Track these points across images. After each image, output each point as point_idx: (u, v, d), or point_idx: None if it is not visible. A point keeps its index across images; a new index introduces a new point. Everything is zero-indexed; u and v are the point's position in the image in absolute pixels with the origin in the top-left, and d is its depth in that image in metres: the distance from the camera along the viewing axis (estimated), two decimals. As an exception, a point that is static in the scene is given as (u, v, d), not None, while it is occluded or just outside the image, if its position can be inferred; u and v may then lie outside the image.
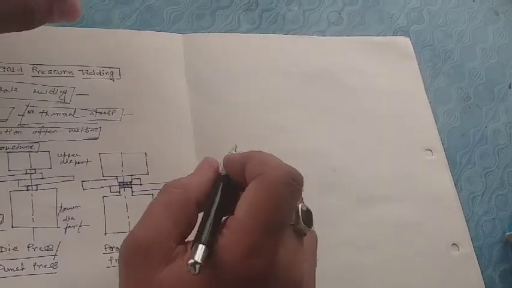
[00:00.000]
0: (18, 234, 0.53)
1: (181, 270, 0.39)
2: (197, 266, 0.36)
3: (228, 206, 0.42)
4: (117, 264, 0.42)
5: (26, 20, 0.50)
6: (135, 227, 0.42)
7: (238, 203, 0.41)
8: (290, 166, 0.42)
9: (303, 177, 0.42)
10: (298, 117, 0.69)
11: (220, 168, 0.48)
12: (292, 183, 0.41)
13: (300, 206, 0.43)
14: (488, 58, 0.82)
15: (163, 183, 0.46)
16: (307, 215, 0.43)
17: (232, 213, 0.41)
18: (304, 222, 0.42)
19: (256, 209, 0.39)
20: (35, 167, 0.56)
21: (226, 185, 0.46)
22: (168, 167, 0.60)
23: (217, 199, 0.44)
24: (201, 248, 0.38)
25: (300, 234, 0.43)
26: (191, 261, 0.36)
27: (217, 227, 0.41)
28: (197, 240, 0.39)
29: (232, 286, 0.38)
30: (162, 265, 0.40)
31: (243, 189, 0.42)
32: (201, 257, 0.37)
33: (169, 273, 0.39)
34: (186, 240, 0.43)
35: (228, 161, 0.47)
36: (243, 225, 0.39)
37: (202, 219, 0.41)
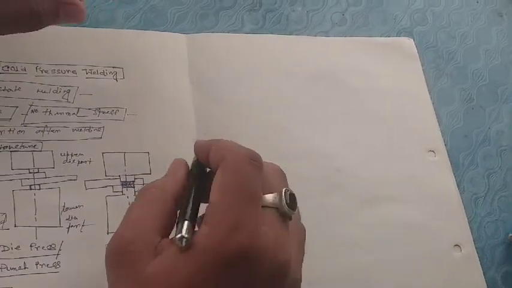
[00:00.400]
0: (21, 234, 0.53)
1: (169, 261, 0.39)
2: (184, 240, 0.39)
3: (205, 192, 0.44)
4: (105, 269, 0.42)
5: (32, 23, 0.51)
6: (117, 229, 0.43)
7: (211, 189, 0.42)
8: (248, 148, 0.45)
9: (260, 156, 0.45)
10: (302, 117, 0.69)
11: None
12: (252, 162, 0.44)
13: (283, 189, 0.44)
14: (492, 59, 0.82)
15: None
16: (291, 198, 0.44)
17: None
18: (288, 206, 0.44)
19: (226, 188, 0.42)
20: (38, 166, 0.56)
21: (201, 169, 0.48)
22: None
23: (193, 180, 0.46)
24: (186, 224, 0.40)
25: (285, 218, 0.44)
26: (178, 235, 0.39)
27: (198, 207, 0.43)
28: (181, 218, 0.41)
29: (221, 267, 0.39)
30: (149, 259, 0.40)
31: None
32: (185, 230, 0.39)
33: (157, 265, 0.40)
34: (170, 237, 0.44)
35: (196, 146, 0.49)
36: (218, 207, 0.41)
37: (183, 202, 0.44)
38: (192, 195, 0.44)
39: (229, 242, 0.39)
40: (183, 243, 0.39)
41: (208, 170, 0.48)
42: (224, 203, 0.41)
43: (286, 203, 0.44)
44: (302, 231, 0.48)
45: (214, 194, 0.42)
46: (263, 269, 0.40)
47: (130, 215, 0.44)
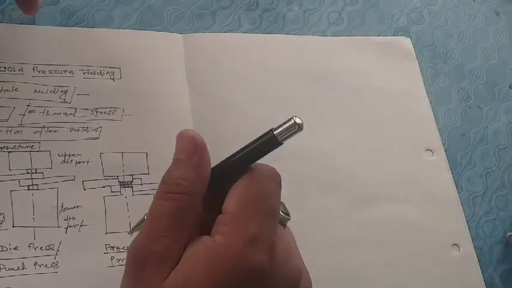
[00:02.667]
0: (19, 234, 0.53)
1: (188, 270, 0.39)
2: None
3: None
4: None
5: None
6: (143, 232, 0.41)
7: (226, 198, 0.41)
8: (267, 165, 0.44)
9: (280, 174, 0.44)
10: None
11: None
12: (275, 177, 0.43)
13: None
14: (489, 58, 0.82)
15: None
16: (283, 206, 0.45)
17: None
18: (284, 213, 0.44)
19: (249, 200, 0.41)
20: (36, 166, 0.56)
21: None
22: (168, 167, 0.60)
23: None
24: None
25: (283, 226, 0.44)
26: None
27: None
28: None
29: (240, 278, 0.38)
30: (168, 270, 0.39)
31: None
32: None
33: (176, 275, 0.39)
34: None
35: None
36: (238, 218, 0.40)
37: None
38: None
39: (248, 255, 0.38)
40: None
41: None
42: (245, 215, 0.40)
43: (282, 211, 0.44)
44: (292, 235, 0.48)
45: (232, 204, 0.41)
46: (277, 283, 0.40)
47: (159, 221, 0.41)
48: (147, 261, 0.39)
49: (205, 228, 0.42)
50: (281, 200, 0.45)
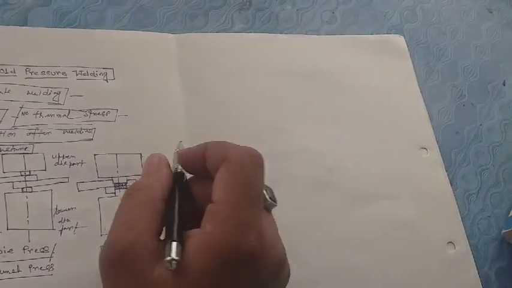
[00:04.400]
0: (14, 236, 0.53)
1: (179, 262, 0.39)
2: (173, 263, 0.39)
3: (188, 199, 0.46)
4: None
5: None
6: (108, 236, 0.42)
7: (213, 188, 0.43)
8: (248, 147, 0.45)
9: (260, 154, 0.45)
10: (293, 116, 0.69)
11: (171, 165, 0.49)
12: (255, 159, 0.44)
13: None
14: (482, 55, 0.82)
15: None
16: (271, 191, 0.46)
17: (195, 206, 0.45)
18: (271, 199, 0.46)
19: (232, 188, 0.42)
20: (30, 168, 0.56)
21: (183, 180, 0.48)
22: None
23: (177, 196, 0.46)
24: (174, 245, 0.40)
25: (269, 211, 0.46)
26: (168, 258, 0.39)
27: (182, 222, 0.43)
28: (169, 238, 0.41)
29: (232, 265, 0.39)
30: (153, 263, 0.40)
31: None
32: (175, 253, 0.39)
33: (163, 272, 0.39)
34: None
35: (184, 156, 0.49)
36: (223, 205, 0.41)
37: (167, 218, 0.43)
38: (177, 210, 0.44)
39: (237, 241, 0.40)
40: (173, 266, 0.39)
41: (186, 178, 0.48)
42: (230, 202, 0.41)
43: (270, 197, 0.45)
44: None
45: (218, 193, 0.42)
46: (267, 267, 0.41)
47: (121, 219, 0.43)
48: (124, 256, 0.40)
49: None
50: (273, 191, 0.46)
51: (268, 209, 0.45)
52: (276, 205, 0.46)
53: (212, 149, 0.46)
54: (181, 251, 0.40)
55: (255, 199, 0.43)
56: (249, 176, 0.43)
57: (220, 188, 0.42)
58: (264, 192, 0.45)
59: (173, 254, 0.39)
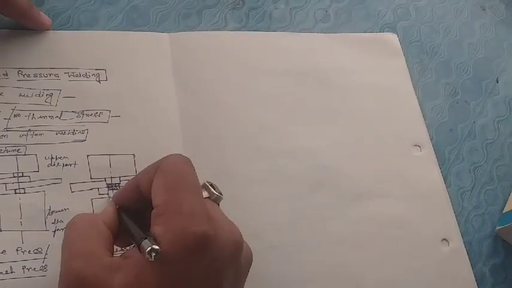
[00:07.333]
0: (7, 238, 0.53)
1: (135, 268, 0.41)
2: (153, 254, 0.40)
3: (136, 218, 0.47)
4: None
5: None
6: (61, 265, 0.42)
7: (152, 196, 0.44)
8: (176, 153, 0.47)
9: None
10: (287, 115, 0.69)
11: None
12: (183, 158, 0.47)
13: (205, 181, 0.48)
14: (476, 53, 0.82)
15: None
16: (214, 186, 0.48)
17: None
18: (218, 192, 0.48)
19: (168, 187, 0.44)
20: (22, 170, 0.56)
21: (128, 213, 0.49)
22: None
23: (125, 214, 0.48)
24: (147, 241, 0.41)
25: (217, 204, 0.48)
26: (148, 248, 0.40)
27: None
28: (138, 240, 0.42)
29: (190, 251, 0.41)
30: (110, 278, 0.40)
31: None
32: (154, 245, 0.40)
33: (123, 278, 0.40)
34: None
35: (119, 196, 0.50)
36: (166, 204, 0.43)
37: (126, 227, 0.46)
38: (132, 220, 0.46)
39: (189, 229, 0.41)
40: (153, 258, 0.40)
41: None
42: (171, 199, 0.43)
43: (216, 191, 0.48)
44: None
45: (157, 197, 0.43)
46: (224, 249, 0.43)
47: (68, 250, 0.43)
48: (80, 283, 0.40)
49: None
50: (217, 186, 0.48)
51: (216, 201, 0.48)
52: (222, 198, 0.48)
53: (142, 173, 0.47)
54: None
55: (193, 189, 0.44)
56: (181, 172, 0.45)
57: (158, 192, 0.44)
58: (210, 186, 0.48)
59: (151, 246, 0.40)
